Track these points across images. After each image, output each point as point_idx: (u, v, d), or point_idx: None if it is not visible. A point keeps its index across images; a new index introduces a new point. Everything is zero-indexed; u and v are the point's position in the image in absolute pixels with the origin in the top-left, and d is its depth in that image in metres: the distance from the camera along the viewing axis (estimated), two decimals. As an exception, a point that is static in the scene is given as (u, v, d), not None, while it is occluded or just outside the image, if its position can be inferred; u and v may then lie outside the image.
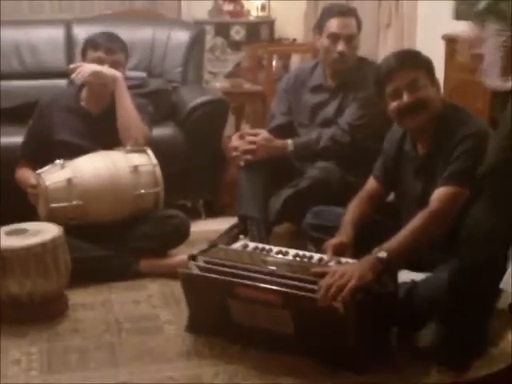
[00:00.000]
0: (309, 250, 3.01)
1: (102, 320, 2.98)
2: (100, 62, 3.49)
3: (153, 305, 3.12)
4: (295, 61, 6.43)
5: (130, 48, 4.28)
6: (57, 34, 4.47)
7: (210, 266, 2.73)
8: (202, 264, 2.74)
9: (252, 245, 2.99)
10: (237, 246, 2.98)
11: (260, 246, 2.97)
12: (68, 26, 4.54)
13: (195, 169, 4.11)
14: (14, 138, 3.76)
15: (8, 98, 4.23)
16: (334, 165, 3.54)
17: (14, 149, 3.68)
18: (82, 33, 4.28)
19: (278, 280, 2.60)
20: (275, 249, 2.91)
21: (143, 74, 4.33)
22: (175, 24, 4.90)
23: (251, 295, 2.62)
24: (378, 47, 6.11)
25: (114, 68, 3.49)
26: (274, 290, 2.57)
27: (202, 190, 4.25)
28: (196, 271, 2.73)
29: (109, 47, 3.51)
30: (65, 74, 4.10)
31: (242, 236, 3.18)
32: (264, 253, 2.88)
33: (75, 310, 3.06)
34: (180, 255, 3.37)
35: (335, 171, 3.51)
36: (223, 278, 2.66)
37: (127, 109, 3.50)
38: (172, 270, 3.18)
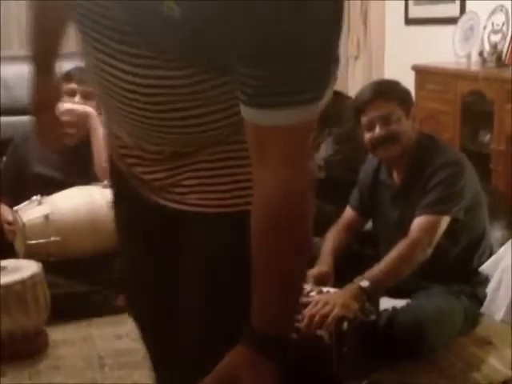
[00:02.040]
0: None
1: (84, 356, 2.97)
2: (72, 93, 3.49)
3: (134, 339, 3.10)
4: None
5: None
6: (27, 69, 4.45)
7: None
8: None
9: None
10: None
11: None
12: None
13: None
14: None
15: None
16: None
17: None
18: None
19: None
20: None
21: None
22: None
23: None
24: (348, 79, 6.19)
25: (87, 98, 3.48)
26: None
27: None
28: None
29: (80, 78, 3.50)
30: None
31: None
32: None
33: (56, 347, 3.03)
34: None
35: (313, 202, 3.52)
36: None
37: (101, 143, 3.50)
38: None
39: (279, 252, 1.27)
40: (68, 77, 3.54)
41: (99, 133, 3.52)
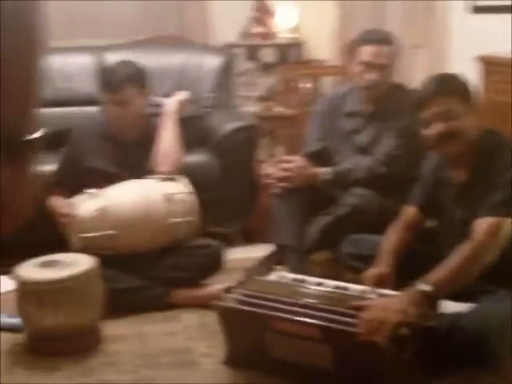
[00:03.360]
0: (347, 279, 2.94)
1: (137, 353, 2.93)
2: (110, 103, 3.46)
3: (188, 337, 3.06)
4: (326, 83, 6.38)
5: (161, 75, 4.32)
6: (89, 61, 4.45)
7: (246, 298, 2.66)
8: (238, 297, 2.68)
9: (289, 275, 2.93)
10: (273, 277, 2.91)
11: (297, 276, 2.91)
12: (100, 52, 4.52)
13: (228, 195, 4.06)
14: (46, 167, 3.72)
15: (41, 125, 4.19)
16: (371, 191, 3.47)
17: (46, 177, 3.64)
18: (113, 59, 4.25)
19: (317, 313, 2.53)
20: (313, 279, 2.85)
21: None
22: (206, 49, 4.87)
23: (289, 329, 2.55)
24: (410, 69, 6.03)
25: (121, 106, 3.43)
26: (313, 323, 2.50)
27: (236, 217, 4.19)
28: (232, 304, 2.67)
29: (111, 89, 3.44)
30: (96, 102, 4.08)
31: (278, 266, 3.11)
32: (301, 284, 2.81)
33: (109, 343, 3.00)
34: (214, 285, 3.32)
35: (373, 198, 3.43)
36: (260, 311, 2.59)
37: (167, 137, 3.49)
38: (206, 300, 3.14)
39: None
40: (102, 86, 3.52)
41: (168, 127, 3.50)
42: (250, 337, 2.70)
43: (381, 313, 2.43)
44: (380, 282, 2.78)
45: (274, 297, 2.63)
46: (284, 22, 6.51)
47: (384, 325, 2.38)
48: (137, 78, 3.49)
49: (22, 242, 3.74)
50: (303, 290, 2.74)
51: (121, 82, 3.41)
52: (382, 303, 2.50)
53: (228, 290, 2.72)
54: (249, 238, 4.20)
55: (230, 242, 4.14)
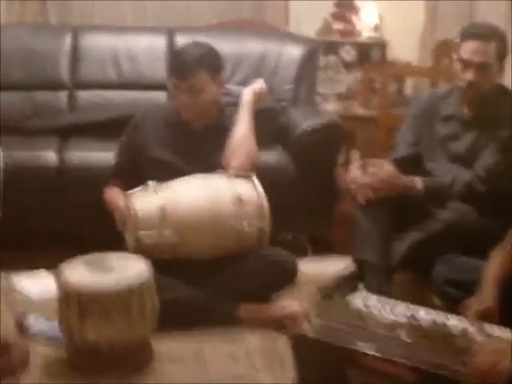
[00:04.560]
0: (435, 305, 2.65)
1: (193, 377, 2.54)
2: (179, 89, 3.08)
3: (252, 363, 2.67)
4: (410, 85, 5.97)
5: (237, 61, 4.01)
6: (158, 43, 4.10)
7: (327, 327, 2.25)
8: (317, 324, 2.27)
9: (374, 299, 2.51)
10: (356, 300, 2.50)
11: (383, 300, 2.49)
12: (171, 34, 4.17)
13: (303, 199, 3.66)
14: (106, 154, 3.38)
15: (103, 108, 3.95)
16: (470, 207, 3.04)
17: (106, 166, 3.30)
18: (185, 42, 3.89)
19: (412, 352, 2.12)
20: (402, 305, 2.43)
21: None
22: (287, 38, 4.45)
23: (376, 367, 2.15)
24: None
25: (193, 92, 3.05)
26: (408, 365, 2.09)
27: (309, 224, 3.78)
28: (311, 334, 2.26)
29: (180, 74, 3.07)
30: (164, 86, 3.73)
31: (361, 287, 2.70)
32: (389, 311, 2.39)
33: (161, 362, 2.63)
34: (286, 304, 2.94)
35: (472, 214, 3.01)
36: (343, 344, 2.19)
37: (242, 130, 3.13)
38: (275, 319, 2.84)
39: None
40: (170, 71, 3.18)
41: (245, 118, 3.15)
42: (328, 371, 2.29)
43: (489, 357, 2.04)
44: (484, 317, 2.37)
45: (358, 327, 2.24)
46: (367, 20, 6.12)
47: (498, 372, 1.98)
48: (210, 62, 3.09)
49: (78, 233, 3.47)
50: (392, 319, 2.33)
51: (191, 67, 3.03)
52: (490, 346, 2.12)
53: (304, 314, 2.32)
54: (324, 249, 3.79)
55: (303, 252, 3.74)
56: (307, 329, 2.27)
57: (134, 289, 2.48)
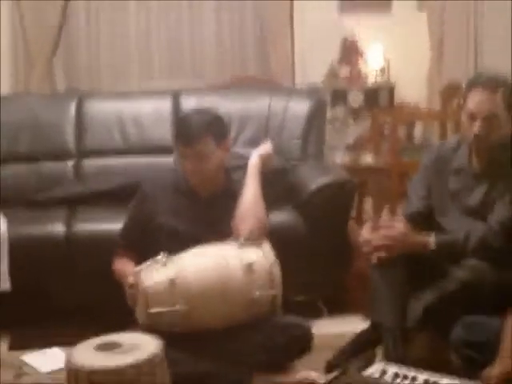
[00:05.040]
0: (456, 369, 2.53)
1: None
2: (185, 156, 3.06)
3: None
4: (419, 128, 5.93)
5: (243, 120, 3.98)
6: (164, 106, 4.09)
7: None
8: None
9: (392, 370, 2.44)
10: (373, 371, 2.43)
11: (402, 371, 2.43)
12: (176, 97, 4.16)
13: (316, 259, 3.60)
14: (114, 224, 3.34)
15: (109, 175, 3.91)
16: (486, 263, 2.96)
17: (114, 235, 3.26)
18: (190, 105, 3.89)
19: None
20: (421, 377, 2.36)
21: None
22: (293, 93, 4.44)
23: None
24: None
25: (199, 158, 3.02)
26: None
27: (323, 284, 3.71)
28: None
29: (185, 141, 3.04)
30: (171, 150, 3.71)
31: (378, 357, 2.63)
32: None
33: None
34: (301, 372, 2.88)
35: (488, 271, 2.93)
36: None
37: (249, 196, 3.08)
38: None
39: None
40: (177, 139, 3.15)
41: (252, 184, 3.11)
42: None
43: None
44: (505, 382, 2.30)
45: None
46: (373, 63, 6.11)
47: None
48: (215, 128, 3.06)
49: (88, 306, 3.43)
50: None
51: (197, 134, 3.00)
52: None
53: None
54: (340, 309, 3.72)
55: (318, 313, 3.68)
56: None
57: (143, 368, 2.42)
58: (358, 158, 5.08)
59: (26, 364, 3.12)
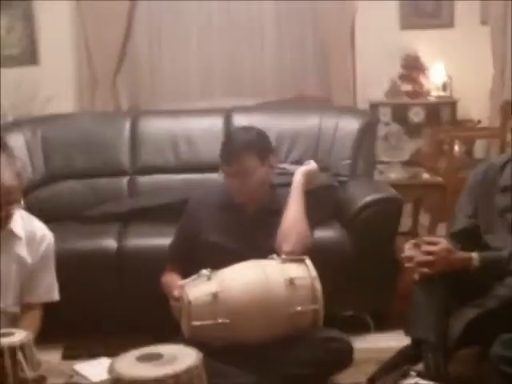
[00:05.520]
0: None
1: None
2: (228, 174, 3.14)
3: None
4: (480, 146, 5.88)
5: (294, 138, 4.01)
6: (215, 124, 4.17)
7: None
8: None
9: (424, 384, 2.45)
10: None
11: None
12: (228, 115, 4.24)
13: (363, 275, 3.63)
14: (164, 239, 3.43)
15: (162, 192, 4.02)
16: (529, 281, 2.95)
17: (164, 251, 3.35)
18: (242, 123, 3.96)
19: None
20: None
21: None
22: (344, 111, 4.46)
23: None
24: None
25: (242, 176, 3.09)
26: None
27: (371, 300, 3.73)
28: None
29: (228, 159, 3.13)
30: (221, 168, 3.80)
31: (413, 372, 2.63)
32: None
33: None
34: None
35: (530, 290, 2.91)
36: None
37: (292, 213, 3.13)
38: None
39: None
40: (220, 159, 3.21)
41: (297, 200, 3.16)
42: None
43: None
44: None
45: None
46: (435, 79, 6.09)
47: None
48: (257, 146, 3.12)
49: (137, 319, 3.52)
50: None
51: (238, 152, 3.08)
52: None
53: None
54: (388, 324, 3.73)
55: (365, 328, 3.70)
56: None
57: (181, 379, 2.47)
58: (414, 174, 5.07)
59: (76, 373, 3.24)
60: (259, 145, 3.14)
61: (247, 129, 3.24)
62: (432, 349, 2.97)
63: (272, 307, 2.89)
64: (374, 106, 5.98)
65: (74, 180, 4.11)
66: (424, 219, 5.22)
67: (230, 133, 3.39)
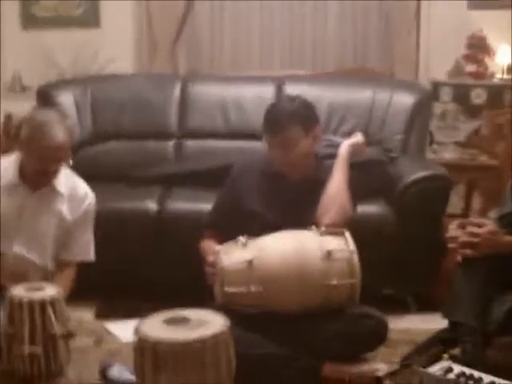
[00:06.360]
0: None
1: None
2: (271, 144, 3.06)
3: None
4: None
5: (345, 111, 3.94)
6: (266, 92, 4.09)
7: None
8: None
9: (457, 369, 2.37)
10: (437, 369, 2.37)
11: (467, 371, 2.35)
12: (279, 84, 4.17)
13: (406, 254, 3.55)
14: (205, 205, 3.41)
15: (208, 157, 3.98)
16: None
17: (204, 216, 3.31)
18: (294, 92, 3.87)
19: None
20: (487, 380, 2.27)
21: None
22: (399, 85, 4.35)
23: None
24: None
25: (285, 146, 3.01)
26: None
27: (413, 280, 3.64)
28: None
29: (271, 129, 3.05)
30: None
31: (445, 355, 2.55)
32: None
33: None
34: (373, 363, 2.85)
35: None
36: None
37: (335, 185, 3.06)
38: (360, 380, 2.73)
39: None
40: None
41: (341, 170, 3.09)
42: None
43: None
44: None
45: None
46: (500, 61, 5.92)
47: None
48: (302, 116, 3.04)
49: (173, 283, 3.50)
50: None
51: (282, 122, 3.00)
52: None
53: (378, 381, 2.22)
54: (429, 306, 3.63)
55: (405, 308, 3.61)
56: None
57: (208, 343, 2.43)
58: (469, 156, 4.93)
59: (107, 332, 3.25)
60: (304, 115, 3.06)
61: (293, 98, 3.16)
62: (470, 333, 2.88)
63: (307, 278, 2.83)
64: (436, 85, 5.84)
65: (120, 141, 4.10)
66: (477, 203, 5.09)
67: (274, 102, 3.30)
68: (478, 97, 5.87)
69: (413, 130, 4.02)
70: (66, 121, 3.09)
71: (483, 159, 4.94)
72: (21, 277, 3.00)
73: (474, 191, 5.13)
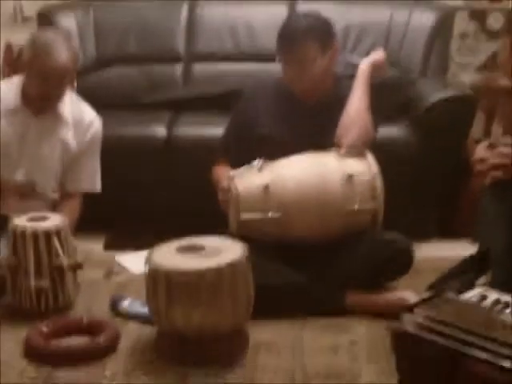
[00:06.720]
0: None
1: (287, 369, 2.34)
2: (286, 62, 2.88)
3: (355, 355, 2.43)
4: None
5: (362, 31, 3.80)
6: (279, 12, 3.86)
7: (430, 324, 2.00)
8: (420, 320, 2.01)
9: (493, 296, 2.21)
10: (471, 296, 2.22)
11: (503, 298, 2.19)
12: (292, 4, 3.96)
13: (429, 178, 3.41)
14: (215, 130, 3.24)
15: (218, 80, 3.82)
16: None
17: (216, 141, 3.15)
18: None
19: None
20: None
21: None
22: (418, 4, 4.11)
23: (488, 375, 1.87)
24: None
25: (301, 65, 2.83)
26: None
27: (435, 205, 3.50)
28: (410, 329, 2.01)
29: (286, 46, 2.86)
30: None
31: (479, 281, 2.40)
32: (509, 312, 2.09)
33: (257, 352, 2.43)
34: (399, 291, 2.72)
35: None
36: (448, 344, 1.93)
37: (355, 105, 2.87)
38: (386, 309, 2.59)
39: None
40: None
41: (360, 90, 2.89)
42: (431, 375, 2.03)
43: None
44: None
45: (468, 327, 1.95)
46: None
47: None
48: (318, 33, 2.84)
49: (183, 210, 3.36)
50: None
51: (298, 39, 2.81)
52: None
53: (409, 310, 2.06)
54: (452, 233, 3.50)
55: (427, 235, 3.46)
56: (407, 323, 2.03)
57: (224, 271, 2.30)
58: (489, 78, 4.74)
59: (118, 264, 3.12)
60: (321, 31, 2.86)
61: (308, 14, 2.97)
62: (499, 259, 2.74)
63: (327, 203, 2.69)
64: (451, 9, 5.61)
65: (126, 65, 3.90)
66: (496, 130, 4.93)
67: (289, 18, 3.11)
68: (496, 21, 5.66)
69: (433, 49, 3.83)
70: (70, 42, 2.93)
71: (504, 82, 4.75)
72: (24, 206, 2.86)
73: (493, 117, 4.96)
